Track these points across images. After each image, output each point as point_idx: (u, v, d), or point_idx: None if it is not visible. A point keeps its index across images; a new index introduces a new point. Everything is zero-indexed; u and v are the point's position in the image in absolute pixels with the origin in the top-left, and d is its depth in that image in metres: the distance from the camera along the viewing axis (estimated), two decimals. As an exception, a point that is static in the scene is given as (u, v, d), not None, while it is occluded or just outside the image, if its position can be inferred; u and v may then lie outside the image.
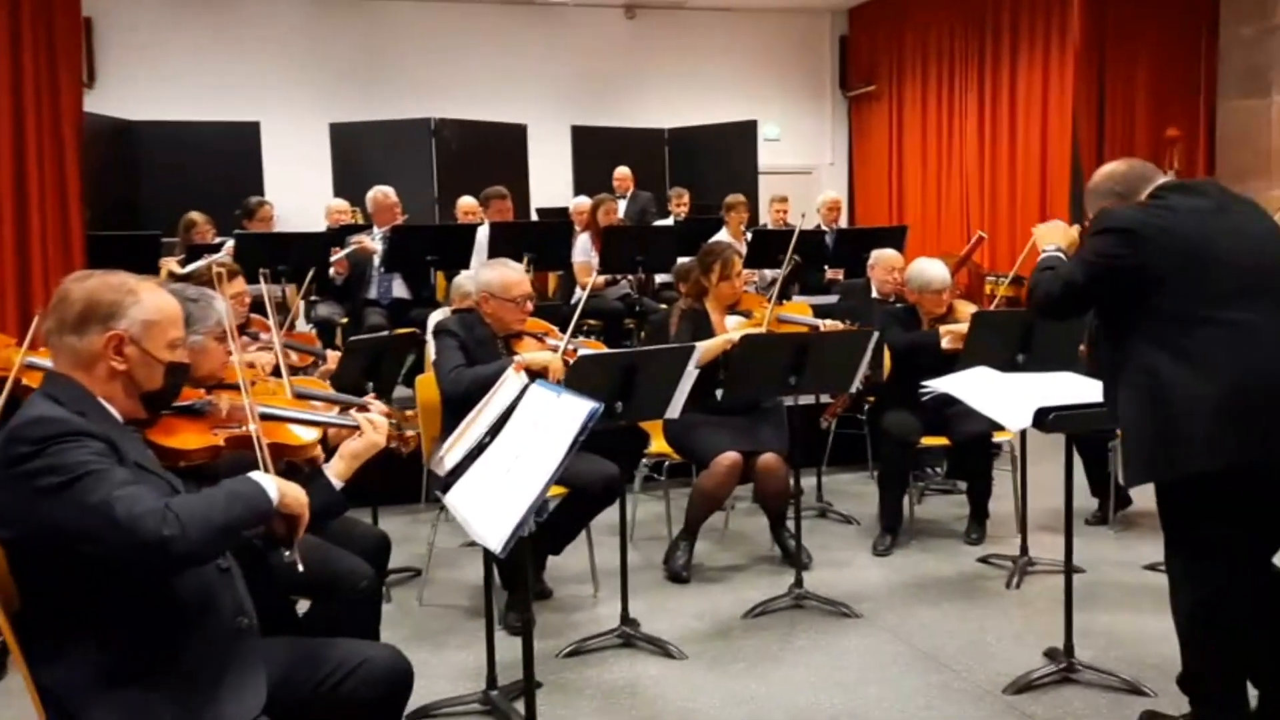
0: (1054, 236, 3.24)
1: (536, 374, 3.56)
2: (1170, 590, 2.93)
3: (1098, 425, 3.35)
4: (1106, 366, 2.93)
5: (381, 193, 7.40)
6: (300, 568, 2.12)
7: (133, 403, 2.14)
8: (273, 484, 2.06)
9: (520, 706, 3.14)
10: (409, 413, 3.05)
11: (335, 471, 2.49)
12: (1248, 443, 2.61)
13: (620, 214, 9.00)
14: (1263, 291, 2.71)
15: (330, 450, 2.62)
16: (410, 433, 2.84)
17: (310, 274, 5.54)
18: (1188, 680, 2.97)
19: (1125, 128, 8.74)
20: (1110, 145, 8.71)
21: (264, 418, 2.47)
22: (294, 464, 2.64)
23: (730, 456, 4.51)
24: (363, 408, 2.67)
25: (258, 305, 4.65)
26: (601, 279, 7.33)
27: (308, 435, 2.61)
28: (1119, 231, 2.78)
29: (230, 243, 6.52)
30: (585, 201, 8.44)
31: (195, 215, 7.13)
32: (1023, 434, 4.54)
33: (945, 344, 4.86)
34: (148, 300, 2.14)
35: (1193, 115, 8.27)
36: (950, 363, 4.53)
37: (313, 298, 7.06)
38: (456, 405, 3.86)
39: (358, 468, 2.53)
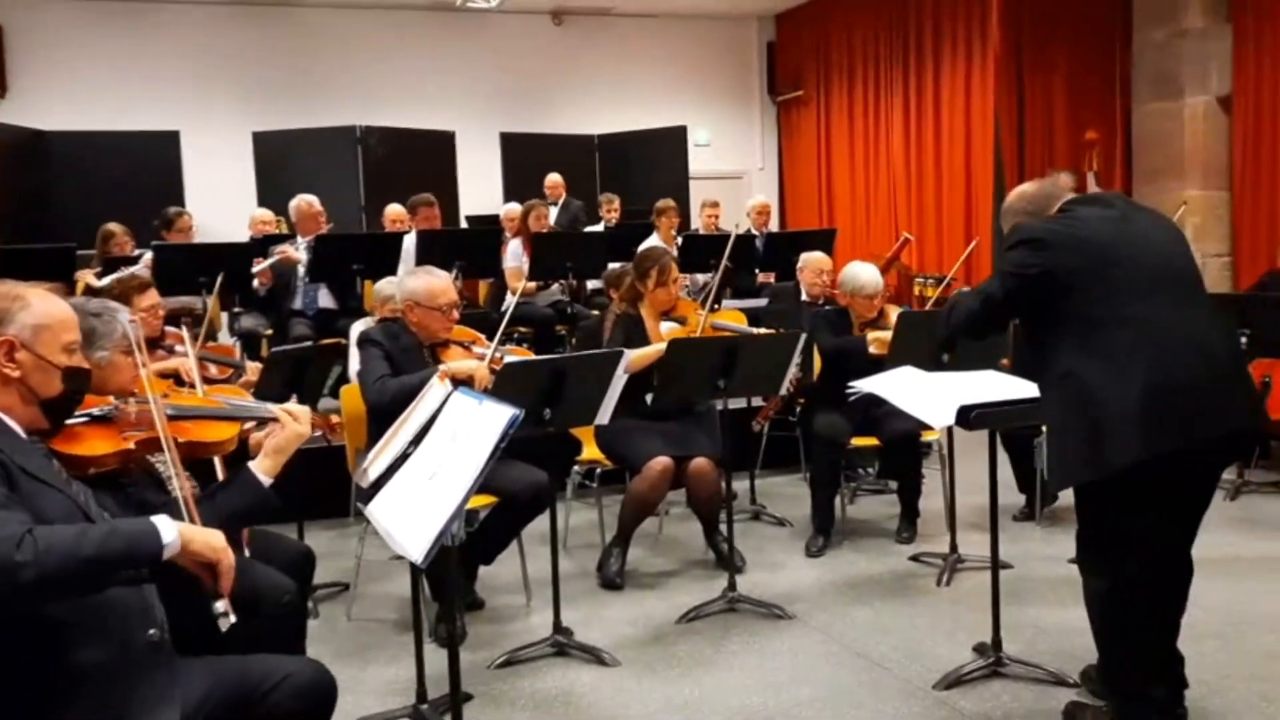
0: None
1: (462, 383, 3.51)
2: (1083, 582, 3.02)
3: (1019, 421, 3.45)
4: (1032, 373, 3.05)
5: (305, 201, 7.29)
6: (232, 618, 2.00)
7: (32, 411, 2.08)
8: (172, 527, 1.92)
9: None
10: (333, 417, 3.00)
11: (262, 469, 2.41)
12: (1169, 432, 2.70)
13: (552, 221, 8.97)
14: (1169, 290, 2.84)
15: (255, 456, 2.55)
16: (336, 419, 2.80)
17: (219, 280, 5.42)
18: (1099, 671, 3.07)
19: (1045, 130, 8.93)
20: (1031, 147, 8.89)
21: (175, 417, 2.40)
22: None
23: (662, 461, 4.50)
24: (267, 418, 2.59)
25: (175, 318, 4.55)
26: (533, 285, 7.29)
27: (222, 430, 2.54)
28: (1029, 242, 2.92)
29: (148, 254, 6.37)
30: (516, 208, 8.40)
31: (113, 226, 6.98)
32: (950, 433, 4.60)
33: (872, 350, 4.90)
34: (37, 305, 2.09)
35: (1109, 118, 8.48)
36: (879, 365, 4.57)
37: (236, 309, 6.93)
38: (382, 416, 3.80)
39: (284, 464, 2.45)
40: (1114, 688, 2.98)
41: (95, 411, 2.36)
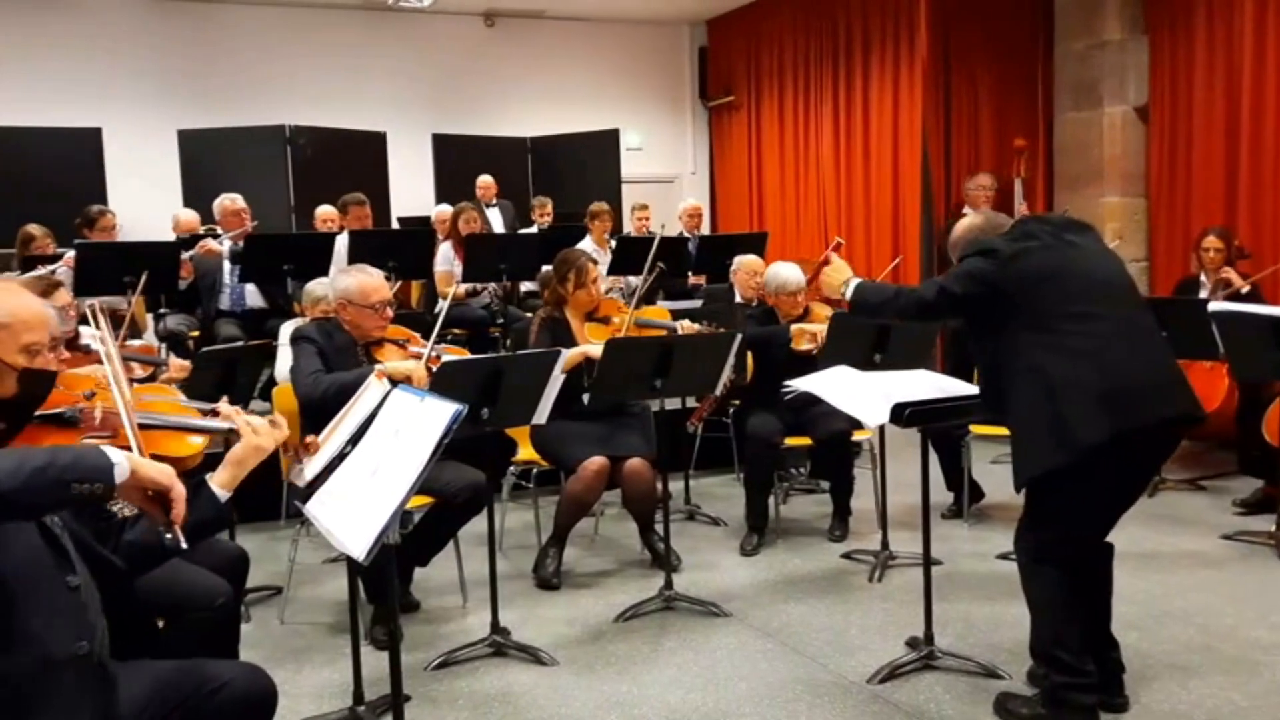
0: (842, 274, 3.52)
1: (399, 382, 3.48)
2: (1021, 566, 3.16)
3: (951, 419, 3.55)
4: (987, 369, 3.23)
5: (229, 199, 7.20)
6: (184, 545, 1.97)
7: None
8: (121, 454, 1.87)
9: (388, 721, 3.07)
10: (309, 439, 2.89)
11: (219, 481, 2.31)
12: (1131, 413, 2.92)
13: (500, 223, 8.94)
14: (1116, 294, 3.10)
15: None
16: (311, 438, 2.70)
17: (144, 277, 5.30)
18: (1037, 649, 3.18)
19: (970, 138, 9.11)
20: (957, 154, 9.07)
21: (145, 426, 2.32)
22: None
23: (597, 461, 4.51)
24: (214, 412, 2.52)
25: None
26: (463, 289, 7.24)
27: (189, 445, 2.45)
28: (987, 252, 3.13)
29: (70, 253, 6.21)
30: (447, 210, 8.34)
31: (33, 228, 6.78)
32: (881, 432, 4.68)
33: (795, 345, 4.97)
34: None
35: (1031, 126, 8.67)
36: (803, 360, 4.65)
37: (161, 310, 6.78)
38: (314, 412, 3.77)
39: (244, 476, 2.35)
40: (1052, 665, 3.08)
41: (57, 412, 2.27)
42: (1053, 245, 3.10)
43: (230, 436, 2.42)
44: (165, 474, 1.92)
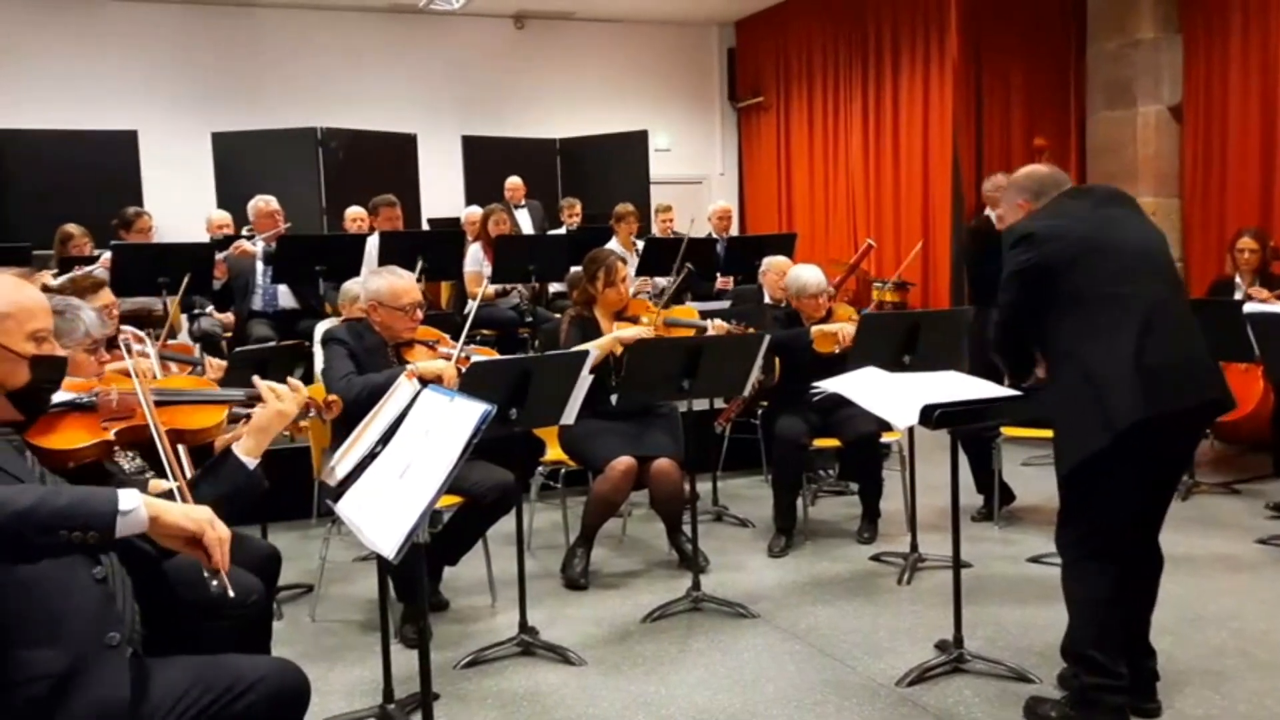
0: None
1: (429, 382, 3.50)
2: (1062, 563, 3.15)
3: (981, 421, 3.53)
4: (1015, 367, 3.28)
5: (263, 200, 7.28)
6: (230, 594, 1.89)
7: (1, 403, 2.01)
8: (135, 498, 1.78)
9: (418, 719, 3.09)
10: (329, 395, 2.90)
11: (245, 449, 2.32)
12: (1164, 394, 2.91)
13: (529, 224, 8.97)
14: (1150, 272, 3.09)
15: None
16: (333, 397, 2.72)
17: (185, 280, 5.36)
18: (1069, 650, 3.14)
19: (1002, 139, 9.07)
20: (988, 155, 9.02)
21: (161, 402, 2.33)
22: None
23: (625, 461, 4.52)
24: (254, 397, 2.53)
25: (130, 317, 4.49)
26: (492, 289, 7.27)
27: (208, 416, 2.45)
28: (1021, 239, 3.14)
29: (107, 254, 6.29)
30: (477, 211, 8.39)
31: (71, 228, 6.88)
32: (911, 434, 4.66)
33: (822, 348, 4.97)
34: None
35: (1064, 126, 8.62)
36: (839, 365, 4.64)
37: (195, 311, 6.86)
38: (347, 413, 3.79)
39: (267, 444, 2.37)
40: (1084, 665, 3.06)
41: (75, 398, 2.29)
42: (1088, 219, 3.11)
43: (253, 404, 2.43)
44: (194, 520, 1.85)
